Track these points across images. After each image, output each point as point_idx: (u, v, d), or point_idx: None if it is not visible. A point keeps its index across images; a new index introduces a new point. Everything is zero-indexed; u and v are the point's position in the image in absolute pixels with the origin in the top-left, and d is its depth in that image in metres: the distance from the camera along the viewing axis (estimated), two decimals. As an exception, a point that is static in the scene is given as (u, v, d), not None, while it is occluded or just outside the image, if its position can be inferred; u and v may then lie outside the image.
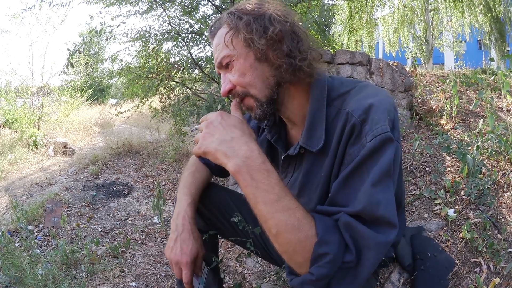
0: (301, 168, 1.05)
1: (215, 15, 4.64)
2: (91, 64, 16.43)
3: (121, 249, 2.81)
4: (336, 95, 0.99)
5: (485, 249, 1.91)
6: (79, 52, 4.76)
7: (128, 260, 2.69)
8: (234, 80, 0.97)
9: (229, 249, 2.54)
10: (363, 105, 0.89)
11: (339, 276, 0.82)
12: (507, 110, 3.69)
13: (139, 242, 3.01)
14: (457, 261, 1.88)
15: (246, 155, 0.84)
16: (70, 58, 4.28)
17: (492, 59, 3.84)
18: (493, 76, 4.45)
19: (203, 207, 1.32)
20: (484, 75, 5.03)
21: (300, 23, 1.00)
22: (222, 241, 2.52)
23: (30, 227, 3.21)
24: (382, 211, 0.81)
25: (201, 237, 1.21)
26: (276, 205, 0.81)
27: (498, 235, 2.00)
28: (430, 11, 13.13)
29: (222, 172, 1.38)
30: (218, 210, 1.35)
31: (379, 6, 12.10)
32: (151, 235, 3.14)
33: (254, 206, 0.84)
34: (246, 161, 0.83)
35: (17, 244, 2.87)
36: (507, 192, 2.34)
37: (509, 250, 1.90)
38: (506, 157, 2.67)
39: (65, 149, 7.31)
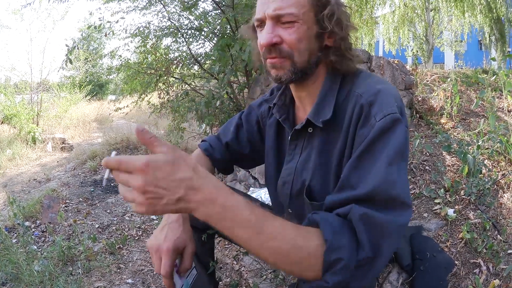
0: (311, 147, 1.04)
1: (215, 11, 4.61)
2: (90, 60, 16.41)
3: (118, 246, 2.80)
4: (347, 79, 1.02)
5: (484, 250, 1.89)
6: (78, 48, 4.74)
7: (125, 257, 2.67)
8: (288, 39, 0.94)
9: (226, 246, 2.53)
10: (372, 88, 0.91)
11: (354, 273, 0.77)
12: (508, 111, 3.68)
13: (136, 238, 2.99)
14: (456, 262, 1.87)
15: (205, 201, 0.70)
16: (69, 54, 4.26)
17: (493, 59, 3.83)
18: (494, 76, 4.44)
19: None
20: (485, 75, 5.02)
21: None
22: (220, 239, 2.51)
23: (27, 223, 3.19)
24: (397, 190, 0.79)
25: (192, 233, 1.08)
26: (260, 237, 0.73)
27: (498, 236, 1.99)
28: (431, 10, 13.10)
29: (226, 168, 1.36)
30: None
31: (379, 4, 12.09)
32: (148, 232, 3.13)
33: (239, 243, 0.77)
34: (209, 207, 0.70)
35: (14, 241, 2.86)
36: (507, 192, 2.33)
37: (509, 251, 1.89)
38: (507, 158, 2.66)
39: (63, 145, 7.32)
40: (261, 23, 0.98)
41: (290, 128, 1.12)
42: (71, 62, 4.29)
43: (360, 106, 0.90)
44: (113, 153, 0.79)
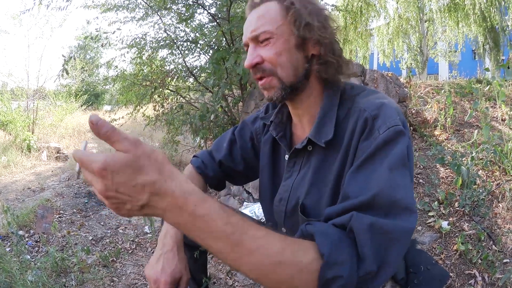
0: (309, 165, 1.03)
1: (211, 24, 4.64)
2: (87, 70, 16.41)
3: (111, 258, 2.77)
4: (347, 97, 1.00)
5: (479, 261, 1.90)
6: (74, 59, 4.75)
7: (118, 270, 2.65)
8: (267, 56, 0.96)
9: (219, 261, 2.51)
10: (375, 103, 0.90)
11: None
12: (502, 120, 3.70)
13: (130, 251, 2.97)
14: (451, 274, 1.87)
15: (173, 208, 0.61)
16: (65, 64, 4.26)
17: (487, 69, 3.87)
18: (488, 85, 4.48)
19: None
20: (479, 85, 5.07)
21: None
22: (213, 256, 2.50)
23: (21, 232, 3.17)
24: (401, 194, 0.76)
25: (187, 261, 1.10)
26: (237, 250, 0.65)
27: (493, 246, 1.99)
28: (425, 22, 13.23)
29: (218, 184, 1.35)
30: None
31: (374, 17, 12.19)
32: (141, 245, 3.10)
33: (217, 257, 0.70)
34: (178, 214, 0.62)
35: (7, 249, 2.83)
36: (502, 202, 2.33)
37: (505, 260, 1.89)
38: (501, 167, 2.67)
39: (58, 154, 7.30)
40: (247, 47, 1.01)
41: (286, 146, 1.11)
42: (67, 73, 4.28)
43: (364, 120, 0.88)
44: (83, 143, 0.70)
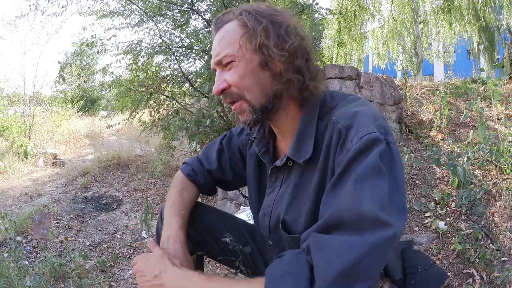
0: (290, 180, 1.01)
1: (206, 29, 4.66)
2: (82, 76, 16.38)
3: (109, 264, 2.77)
4: (327, 109, 0.96)
5: (477, 260, 1.90)
6: (70, 66, 4.76)
7: (116, 275, 2.65)
8: (232, 81, 0.92)
9: (217, 265, 2.51)
10: (348, 113, 0.86)
11: None
12: (498, 119, 3.72)
13: (127, 256, 2.96)
14: (449, 274, 1.87)
15: (171, 279, 0.93)
16: (61, 71, 4.27)
17: (482, 69, 3.88)
18: (483, 85, 4.51)
19: (190, 228, 1.24)
20: (474, 85, 5.09)
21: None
22: (210, 260, 2.49)
23: (18, 238, 3.16)
24: (367, 207, 0.70)
25: (193, 263, 1.13)
26: None
27: (491, 245, 2.00)
28: (420, 23, 13.27)
29: (210, 190, 1.36)
30: (206, 231, 1.29)
31: (368, 19, 12.20)
32: (139, 250, 3.10)
33: None
34: (173, 282, 0.92)
35: (5, 255, 2.83)
36: (499, 201, 2.34)
37: (503, 259, 1.89)
38: (498, 166, 2.68)
39: (55, 160, 7.26)
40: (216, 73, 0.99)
41: (269, 161, 1.10)
42: (63, 80, 4.29)
43: (338, 132, 0.84)
44: (150, 239, 1.17)
